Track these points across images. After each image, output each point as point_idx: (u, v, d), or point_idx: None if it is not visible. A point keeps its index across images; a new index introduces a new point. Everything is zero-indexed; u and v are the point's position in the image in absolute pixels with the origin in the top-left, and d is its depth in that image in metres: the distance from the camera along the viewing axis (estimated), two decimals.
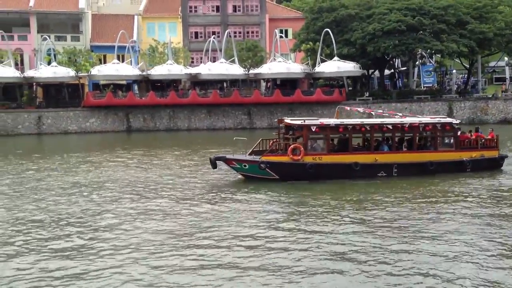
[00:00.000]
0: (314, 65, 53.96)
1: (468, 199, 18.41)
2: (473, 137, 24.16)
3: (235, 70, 52.64)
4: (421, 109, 51.46)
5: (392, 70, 62.64)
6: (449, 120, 24.23)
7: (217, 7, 64.64)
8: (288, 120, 23.70)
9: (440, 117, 25.33)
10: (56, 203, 18.39)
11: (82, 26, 60.13)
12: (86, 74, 52.81)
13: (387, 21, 51.16)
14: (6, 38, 53.35)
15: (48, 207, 17.81)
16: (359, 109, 26.32)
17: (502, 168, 23.81)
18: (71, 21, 60.92)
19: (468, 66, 59.59)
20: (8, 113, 49.32)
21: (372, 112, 25.58)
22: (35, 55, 56.84)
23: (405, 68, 63.63)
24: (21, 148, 37.56)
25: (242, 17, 64.88)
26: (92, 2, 65.06)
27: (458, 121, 24.11)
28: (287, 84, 54.63)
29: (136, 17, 62.99)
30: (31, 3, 58.05)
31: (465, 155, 23.00)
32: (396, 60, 61.52)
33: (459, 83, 61.97)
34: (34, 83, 53.30)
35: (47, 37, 55.42)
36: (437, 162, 22.41)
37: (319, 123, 22.31)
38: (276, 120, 26.70)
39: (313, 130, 21.91)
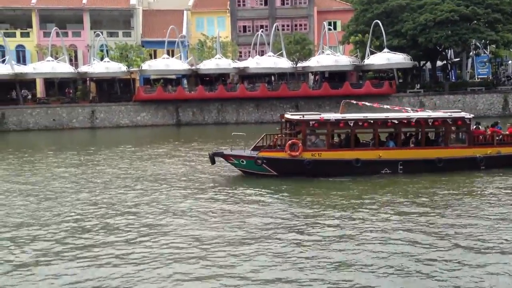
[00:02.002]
0: (363, 58, 53.21)
1: (466, 198, 17.48)
2: (489, 132, 22.79)
3: (283, 63, 52.56)
4: (475, 101, 50.05)
5: (445, 62, 61.02)
6: (461, 114, 22.79)
7: (265, 1, 64.66)
8: (288, 115, 23.15)
9: (452, 111, 23.85)
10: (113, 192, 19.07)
11: (133, 22, 61.46)
12: (137, 69, 53.93)
13: (439, 11, 49.87)
14: (60, 34, 55.03)
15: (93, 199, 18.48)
16: (366, 103, 25.48)
17: None
18: (122, 17, 62.39)
19: None
20: (63, 108, 51.05)
21: (384, 106, 24.57)
22: (88, 51, 58.46)
23: (458, 59, 61.87)
24: (79, 141, 38.77)
25: (290, 10, 64.67)
26: None
27: (471, 116, 22.70)
28: (335, 77, 54.17)
29: (185, 12, 63.82)
30: (84, 1, 59.72)
31: (478, 152, 21.66)
32: (449, 51, 59.87)
33: None
34: (88, 78, 54.91)
35: (99, 33, 56.96)
36: (446, 158, 21.28)
37: (318, 118, 21.63)
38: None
39: (312, 125, 21.44)
